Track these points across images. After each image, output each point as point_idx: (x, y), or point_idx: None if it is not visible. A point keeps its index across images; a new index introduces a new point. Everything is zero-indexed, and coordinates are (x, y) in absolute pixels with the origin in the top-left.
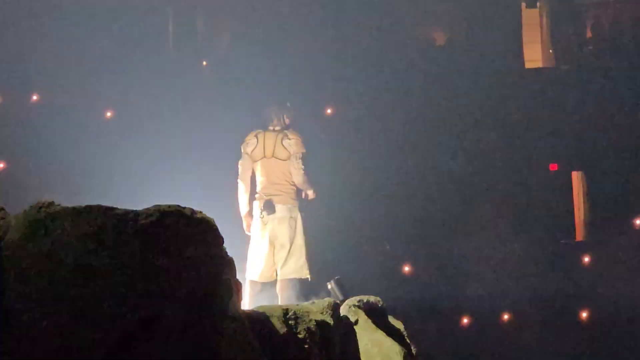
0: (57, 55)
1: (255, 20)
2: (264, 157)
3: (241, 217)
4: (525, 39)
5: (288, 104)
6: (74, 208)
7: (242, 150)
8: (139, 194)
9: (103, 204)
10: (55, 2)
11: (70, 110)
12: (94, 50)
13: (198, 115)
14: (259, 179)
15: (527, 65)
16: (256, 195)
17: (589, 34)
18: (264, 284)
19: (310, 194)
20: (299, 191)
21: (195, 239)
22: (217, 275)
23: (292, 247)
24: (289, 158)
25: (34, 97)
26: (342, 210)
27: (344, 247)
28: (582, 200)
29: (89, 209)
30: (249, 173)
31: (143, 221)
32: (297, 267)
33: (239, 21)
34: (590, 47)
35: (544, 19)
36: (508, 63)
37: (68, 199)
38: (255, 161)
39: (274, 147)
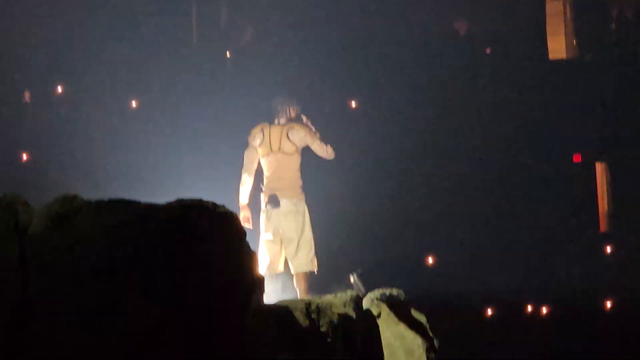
0: (81, 47)
1: (278, 13)
2: (271, 151)
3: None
4: (549, 30)
5: (295, 100)
6: (96, 202)
7: (249, 142)
8: (162, 187)
9: (126, 198)
10: None
11: (94, 102)
12: (117, 41)
13: (222, 107)
14: (265, 173)
15: (551, 56)
16: (263, 190)
17: (612, 25)
18: (270, 276)
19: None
20: (304, 184)
21: (218, 233)
22: (239, 268)
23: (301, 241)
24: (295, 152)
25: (59, 90)
26: (364, 203)
27: (366, 239)
28: (605, 191)
29: (111, 203)
30: (255, 165)
31: (165, 215)
32: (307, 260)
33: (262, 13)
34: (614, 38)
35: (568, 10)
36: (532, 54)
37: (91, 193)
38: (262, 156)
39: (280, 141)
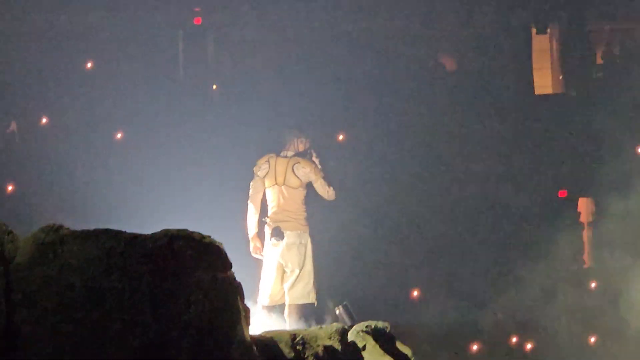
0: (66, 78)
1: (264, 45)
2: (275, 184)
3: (249, 239)
4: (535, 64)
5: (305, 134)
6: (82, 231)
7: (255, 173)
8: (148, 216)
9: (112, 228)
10: (64, 26)
11: (80, 133)
12: (103, 74)
13: (208, 138)
14: (270, 204)
15: (537, 91)
16: (267, 220)
17: (599, 60)
18: (273, 307)
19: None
20: (308, 216)
21: (204, 263)
22: (225, 299)
23: (301, 273)
24: (300, 186)
25: (43, 120)
26: (350, 235)
27: (352, 272)
28: (590, 227)
29: (97, 232)
30: (260, 195)
31: (151, 245)
32: (305, 292)
33: (249, 46)
34: (601, 74)
35: (554, 45)
36: (518, 89)
37: (77, 222)
38: (267, 187)
39: (285, 174)
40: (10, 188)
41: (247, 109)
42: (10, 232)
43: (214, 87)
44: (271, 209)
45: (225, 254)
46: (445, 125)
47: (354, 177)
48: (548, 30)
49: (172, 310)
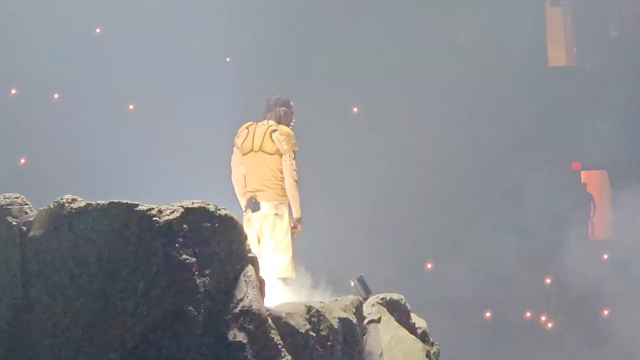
0: (79, 52)
1: (279, 18)
2: (252, 150)
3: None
4: (549, 37)
5: (288, 103)
6: (97, 204)
7: (234, 144)
8: (163, 188)
9: (126, 200)
10: (76, 2)
11: (92, 105)
12: (117, 47)
13: (222, 110)
14: (246, 173)
15: (551, 63)
16: (246, 191)
17: (613, 33)
18: (286, 279)
19: (295, 213)
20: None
21: (219, 235)
22: (240, 271)
23: (278, 245)
24: (276, 153)
25: (56, 95)
26: (366, 208)
27: (367, 244)
28: (604, 199)
29: (112, 205)
30: (241, 169)
31: (167, 217)
32: (283, 265)
33: (263, 18)
34: (614, 46)
35: (568, 17)
36: (531, 61)
37: (90, 194)
38: (244, 154)
39: (262, 139)
40: (22, 161)
41: (260, 80)
42: (25, 204)
43: (228, 59)
44: (247, 178)
45: (241, 225)
46: (456, 97)
47: (369, 150)
48: (562, 2)
49: (188, 282)
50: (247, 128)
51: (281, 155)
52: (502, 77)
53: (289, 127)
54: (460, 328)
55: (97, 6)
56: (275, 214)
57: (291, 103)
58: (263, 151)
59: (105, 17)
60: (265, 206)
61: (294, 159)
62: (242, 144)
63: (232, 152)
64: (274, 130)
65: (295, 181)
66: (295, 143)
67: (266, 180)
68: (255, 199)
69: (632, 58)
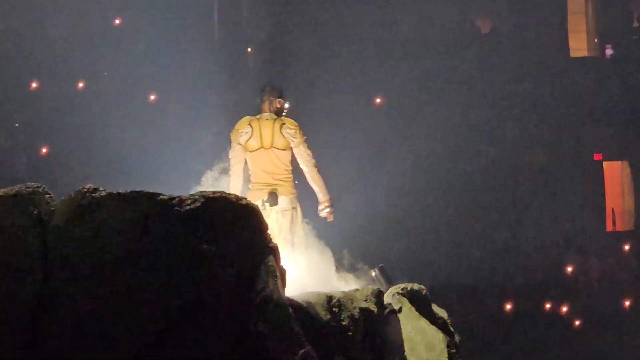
0: (101, 43)
1: (300, 7)
2: (262, 147)
3: None
4: (570, 27)
5: (282, 93)
6: (118, 194)
7: (233, 140)
8: (184, 178)
9: (147, 190)
10: None
11: (113, 95)
12: (139, 38)
13: (242, 101)
14: (255, 169)
15: (572, 54)
16: (253, 187)
17: (635, 23)
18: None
19: (324, 196)
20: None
21: (240, 225)
22: (261, 261)
23: (295, 239)
24: (287, 147)
25: (80, 85)
26: (387, 199)
27: (389, 234)
28: (626, 190)
29: (134, 194)
30: (242, 165)
31: (188, 207)
32: (303, 261)
33: (287, 6)
34: (636, 37)
35: (590, 8)
36: (553, 52)
37: (112, 184)
38: (251, 151)
39: (273, 136)
40: (44, 150)
41: (282, 69)
42: (47, 194)
43: (249, 50)
44: (256, 174)
45: (262, 215)
46: (478, 88)
47: (391, 140)
48: None
49: (209, 272)
50: (250, 124)
51: (291, 149)
52: (524, 67)
53: (282, 116)
54: (480, 318)
55: None
56: (292, 208)
57: (283, 94)
58: (275, 147)
59: (127, 6)
60: (283, 200)
61: (308, 147)
62: (247, 141)
63: (231, 147)
64: (282, 124)
65: (316, 167)
66: (302, 133)
67: (281, 175)
68: (276, 193)
69: None
